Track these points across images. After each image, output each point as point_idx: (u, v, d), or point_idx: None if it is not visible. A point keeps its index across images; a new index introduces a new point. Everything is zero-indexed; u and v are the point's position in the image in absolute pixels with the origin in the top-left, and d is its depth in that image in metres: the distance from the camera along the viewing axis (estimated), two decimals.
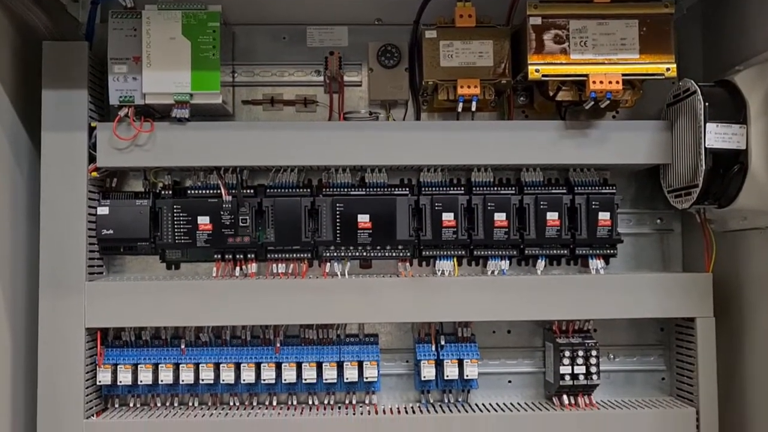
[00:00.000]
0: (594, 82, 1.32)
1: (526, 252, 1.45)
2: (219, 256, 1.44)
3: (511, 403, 1.48)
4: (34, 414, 1.36)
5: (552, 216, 1.44)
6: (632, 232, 1.54)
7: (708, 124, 1.30)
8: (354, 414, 1.41)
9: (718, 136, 1.31)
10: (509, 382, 1.53)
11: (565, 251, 1.46)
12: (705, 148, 1.31)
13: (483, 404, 1.47)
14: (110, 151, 1.38)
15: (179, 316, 1.38)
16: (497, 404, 1.47)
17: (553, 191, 1.45)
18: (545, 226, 1.44)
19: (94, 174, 1.40)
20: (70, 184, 1.38)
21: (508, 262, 1.45)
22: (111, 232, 1.42)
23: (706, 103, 1.31)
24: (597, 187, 1.46)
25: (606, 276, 1.44)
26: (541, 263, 1.46)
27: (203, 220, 1.42)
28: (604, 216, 1.44)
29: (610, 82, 1.32)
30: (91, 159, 1.39)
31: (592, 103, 1.36)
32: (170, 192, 1.45)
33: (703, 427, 1.40)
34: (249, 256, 1.44)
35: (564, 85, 1.38)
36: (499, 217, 1.43)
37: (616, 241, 1.45)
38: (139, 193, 1.46)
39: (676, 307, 1.41)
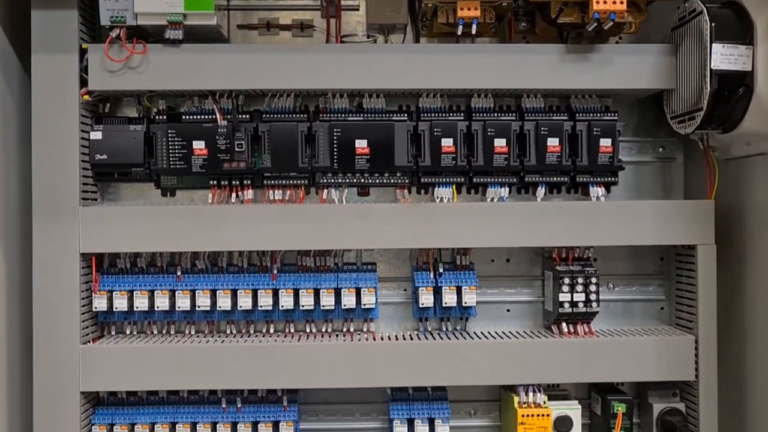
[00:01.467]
0: (597, 2, 1.29)
1: (526, 179, 1.43)
2: (215, 182, 1.42)
3: (510, 331, 1.48)
4: (29, 340, 1.35)
5: (553, 142, 1.41)
6: (634, 160, 1.52)
7: (714, 45, 1.27)
8: (352, 341, 1.40)
9: (723, 57, 1.28)
10: (508, 311, 1.52)
11: (566, 178, 1.43)
12: (710, 70, 1.28)
13: (481, 332, 1.46)
14: (102, 74, 1.35)
15: (175, 241, 1.37)
16: (495, 332, 1.47)
17: (554, 117, 1.42)
18: (546, 153, 1.41)
19: (86, 98, 1.37)
20: (61, 108, 1.35)
21: (507, 189, 1.43)
22: (105, 157, 1.40)
23: (713, 24, 1.28)
24: (599, 114, 1.43)
25: (607, 203, 1.42)
26: (541, 191, 1.44)
27: (198, 145, 1.39)
28: (605, 142, 1.42)
29: (614, 2, 1.29)
30: (83, 83, 1.36)
31: (595, 24, 1.32)
32: (164, 117, 1.42)
33: (702, 354, 1.39)
34: (245, 182, 1.42)
35: (566, 6, 1.35)
36: (499, 144, 1.41)
37: (617, 168, 1.43)
38: (133, 118, 1.43)
39: (677, 235, 1.40)
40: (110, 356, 1.36)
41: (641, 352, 1.39)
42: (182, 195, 1.49)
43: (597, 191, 1.44)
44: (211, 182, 1.42)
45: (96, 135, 1.40)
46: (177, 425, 1.41)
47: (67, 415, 1.35)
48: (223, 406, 1.42)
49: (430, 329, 1.48)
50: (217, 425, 1.41)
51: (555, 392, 1.47)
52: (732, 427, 1.41)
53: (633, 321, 1.53)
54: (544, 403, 1.39)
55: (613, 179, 1.44)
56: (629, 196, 1.52)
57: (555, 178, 1.43)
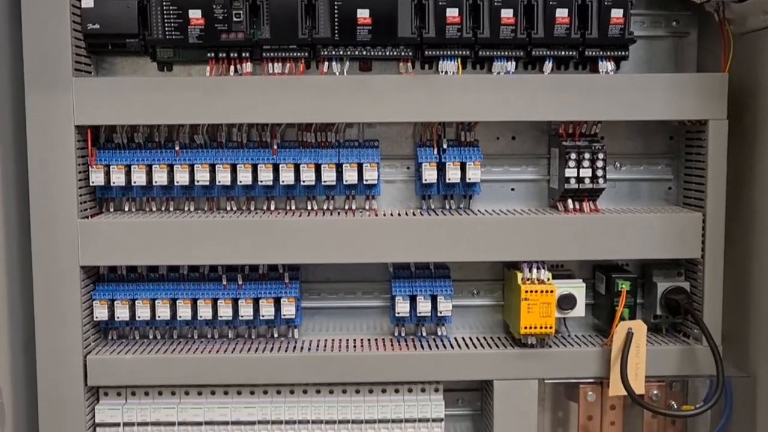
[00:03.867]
0: None
1: (534, 53, 1.38)
2: (212, 54, 1.37)
3: (514, 209, 1.45)
4: (27, 215, 1.33)
5: (561, 13, 1.36)
6: (646, 34, 1.47)
7: None
8: (353, 216, 1.38)
9: None
10: (512, 190, 1.49)
11: (574, 52, 1.38)
12: None
13: (485, 210, 1.44)
14: None
15: (173, 113, 1.33)
16: (500, 210, 1.44)
17: None
18: (554, 25, 1.36)
19: None
20: None
21: (513, 64, 1.38)
22: (97, 26, 1.35)
23: None
24: None
25: (616, 76, 1.37)
26: (548, 65, 1.39)
27: (195, 14, 1.34)
28: (617, 13, 1.36)
29: None
30: None
31: None
32: None
33: (709, 231, 1.37)
34: (244, 55, 1.38)
35: None
36: (506, 14, 1.35)
37: (628, 41, 1.38)
38: None
39: (688, 109, 1.35)
40: (109, 231, 1.34)
41: (647, 230, 1.37)
42: (179, 70, 1.45)
43: (606, 66, 1.39)
44: (209, 55, 1.38)
45: (87, 3, 1.34)
46: (177, 301, 1.40)
47: (67, 290, 1.34)
48: (224, 283, 1.41)
49: (433, 207, 1.45)
50: (218, 301, 1.40)
51: (559, 272, 1.45)
52: (736, 306, 1.40)
53: (639, 201, 1.50)
54: (548, 279, 1.37)
55: (623, 53, 1.39)
56: (640, 71, 1.47)
57: (563, 52, 1.38)
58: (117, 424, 1.39)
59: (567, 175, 1.38)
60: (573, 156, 1.37)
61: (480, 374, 1.40)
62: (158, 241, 1.34)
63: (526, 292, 1.35)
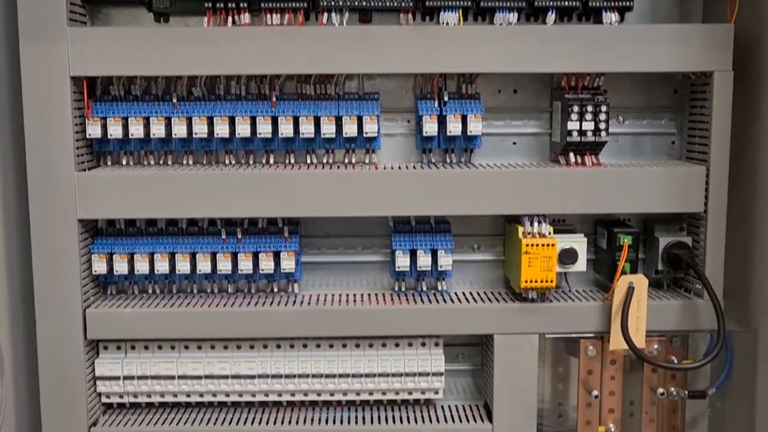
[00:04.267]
0: None
1: (536, 4, 1.35)
2: (210, 5, 1.35)
3: (516, 163, 1.44)
4: (23, 168, 1.32)
5: None
6: None
7: None
8: (354, 170, 1.37)
9: None
10: (514, 144, 1.48)
11: (577, 3, 1.36)
12: None
13: (486, 164, 1.42)
14: None
15: (169, 65, 1.31)
16: (501, 164, 1.43)
17: None
18: None
19: None
20: None
21: (516, 14, 1.36)
22: None
23: None
24: None
25: (619, 26, 1.35)
26: (551, 16, 1.36)
27: None
28: None
29: None
30: None
31: None
32: None
33: (713, 185, 1.36)
34: (242, 5, 1.35)
35: None
36: None
37: None
38: None
39: (693, 61, 1.33)
40: (106, 184, 1.33)
41: (650, 183, 1.36)
42: (176, 21, 1.43)
43: (610, 17, 1.36)
44: (206, 5, 1.35)
45: None
46: (176, 255, 1.39)
47: (65, 243, 1.33)
48: (223, 237, 1.40)
49: (434, 161, 1.44)
50: (217, 255, 1.39)
51: (560, 227, 1.44)
52: (737, 261, 1.40)
53: (642, 155, 1.48)
54: (549, 233, 1.36)
55: (627, 4, 1.36)
56: (644, 23, 1.44)
57: (566, 3, 1.36)
58: (117, 378, 1.39)
59: (569, 128, 1.36)
60: (575, 108, 1.36)
61: (480, 328, 1.39)
62: (156, 194, 1.33)
63: (527, 245, 1.34)
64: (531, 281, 1.35)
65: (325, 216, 1.38)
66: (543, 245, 1.34)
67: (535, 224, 1.36)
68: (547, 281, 1.35)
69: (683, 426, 1.47)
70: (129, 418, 1.43)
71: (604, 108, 1.36)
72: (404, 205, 1.34)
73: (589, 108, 1.36)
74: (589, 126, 1.36)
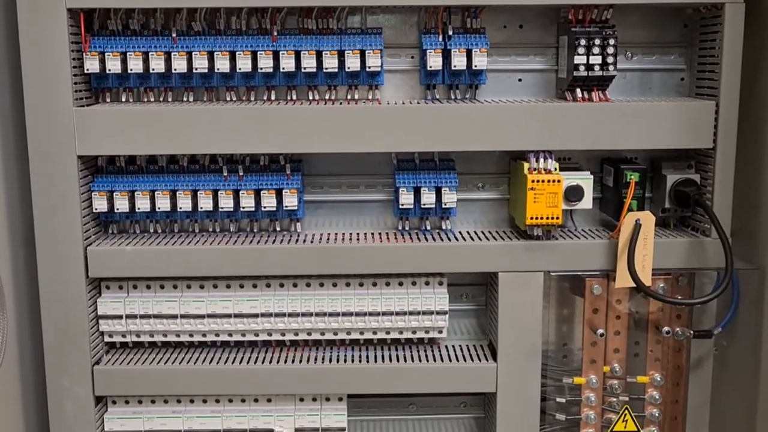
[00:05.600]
0: None
1: None
2: None
3: (521, 99, 1.41)
4: (21, 105, 1.30)
5: None
6: None
7: None
8: (357, 105, 1.35)
9: None
10: (519, 80, 1.45)
11: None
12: None
13: (492, 100, 1.40)
14: None
15: None
16: (506, 100, 1.40)
17: None
18: None
19: None
20: None
21: None
22: None
23: None
24: None
25: None
26: None
27: None
28: None
29: None
30: None
31: None
32: None
33: (722, 120, 1.33)
34: None
35: None
36: None
37: None
38: None
39: None
40: (106, 119, 1.31)
41: (659, 119, 1.33)
42: None
43: None
44: None
45: None
46: (178, 192, 1.37)
47: (64, 180, 1.31)
48: (225, 174, 1.38)
49: (438, 97, 1.41)
50: (219, 192, 1.37)
51: (567, 165, 1.43)
52: (745, 200, 1.38)
53: (651, 92, 1.45)
54: (555, 169, 1.34)
55: None
56: None
57: None
58: (119, 317, 1.39)
59: (576, 62, 1.33)
60: (583, 42, 1.33)
61: (485, 266, 1.38)
62: (157, 129, 1.31)
63: (533, 182, 1.32)
64: (537, 218, 1.33)
65: (327, 152, 1.36)
66: (549, 181, 1.32)
67: (541, 160, 1.34)
68: (552, 218, 1.33)
69: (688, 366, 1.46)
70: (132, 357, 1.42)
71: (612, 41, 1.33)
72: (408, 140, 1.32)
73: (597, 41, 1.33)
74: (596, 60, 1.33)
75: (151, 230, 1.44)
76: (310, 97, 1.40)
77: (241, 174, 1.38)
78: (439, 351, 1.45)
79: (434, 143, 1.33)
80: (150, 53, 1.33)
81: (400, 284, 1.41)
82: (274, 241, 1.39)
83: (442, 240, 1.39)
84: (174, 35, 1.34)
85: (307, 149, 1.34)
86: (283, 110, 1.32)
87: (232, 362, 1.40)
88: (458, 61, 1.34)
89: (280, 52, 1.33)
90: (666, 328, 1.40)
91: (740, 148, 1.34)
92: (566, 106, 1.34)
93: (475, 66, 1.34)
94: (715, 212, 1.34)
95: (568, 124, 1.33)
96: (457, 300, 1.49)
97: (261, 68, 1.33)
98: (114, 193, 1.37)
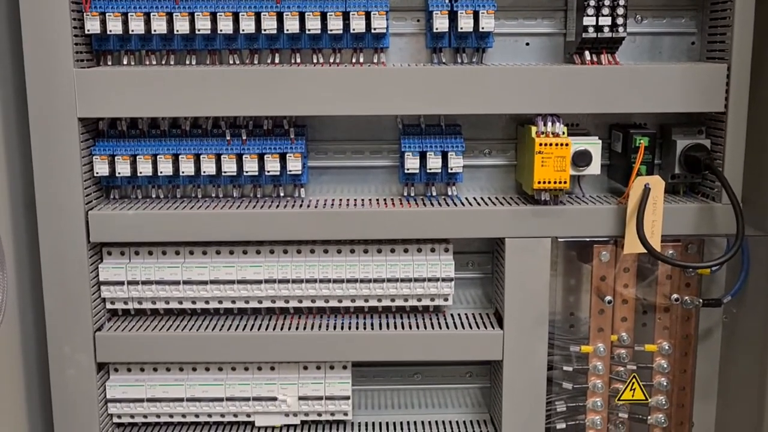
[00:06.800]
0: None
1: None
2: None
3: (529, 64, 1.39)
4: (21, 65, 1.28)
5: None
6: None
7: None
8: (362, 67, 1.33)
9: None
10: (527, 44, 1.42)
11: None
12: None
13: (499, 64, 1.38)
14: None
15: None
16: (514, 64, 1.38)
17: None
18: None
19: None
20: None
21: None
22: None
23: None
24: None
25: None
26: None
27: None
28: None
29: None
30: None
31: None
32: None
33: (734, 84, 1.31)
34: None
35: None
36: None
37: None
38: None
39: None
40: (107, 81, 1.29)
41: (669, 82, 1.31)
42: None
43: None
44: None
45: None
46: (180, 156, 1.35)
47: (65, 143, 1.30)
48: (228, 138, 1.36)
49: (444, 60, 1.39)
50: (222, 156, 1.35)
51: (575, 130, 1.40)
52: (756, 166, 1.36)
53: (660, 57, 1.43)
54: (563, 133, 1.32)
55: None
56: None
57: None
58: (121, 283, 1.37)
59: (585, 23, 1.31)
60: (592, 2, 1.30)
61: (491, 231, 1.36)
62: (159, 91, 1.29)
63: (541, 145, 1.30)
64: (544, 182, 1.31)
65: (332, 114, 1.34)
66: (557, 144, 1.30)
67: (549, 124, 1.31)
68: (560, 182, 1.31)
69: (696, 335, 1.44)
70: (134, 324, 1.41)
71: (621, 2, 1.30)
72: (415, 103, 1.30)
73: (606, 2, 1.30)
74: (606, 21, 1.31)
75: (153, 195, 1.42)
76: (315, 61, 1.38)
77: (244, 138, 1.36)
78: (445, 319, 1.43)
79: (441, 106, 1.31)
80: (152, 13, 1.31)
81: (406, 251, 1.39)
82: (278, 206, 1.37)
83: (447, 205, 1.37)
84: None
85: (311, 112, 1.31)
86: (287, 72, 1.30)
87: (235, 329, 1.39)
88: (465, 23, 1.32)
89: (284, 13, 1.31)
90: (675, 295, 1.38)
91: (751, 112, 1.32)
92: (575, 68, 1.32)
93: (482, 28, 1.32)
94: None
95: (576, 87, 1.30)
96: (463, 268, 1.47)
97: (264, 29, 1.31)
98: (115, 157, 1.35)
